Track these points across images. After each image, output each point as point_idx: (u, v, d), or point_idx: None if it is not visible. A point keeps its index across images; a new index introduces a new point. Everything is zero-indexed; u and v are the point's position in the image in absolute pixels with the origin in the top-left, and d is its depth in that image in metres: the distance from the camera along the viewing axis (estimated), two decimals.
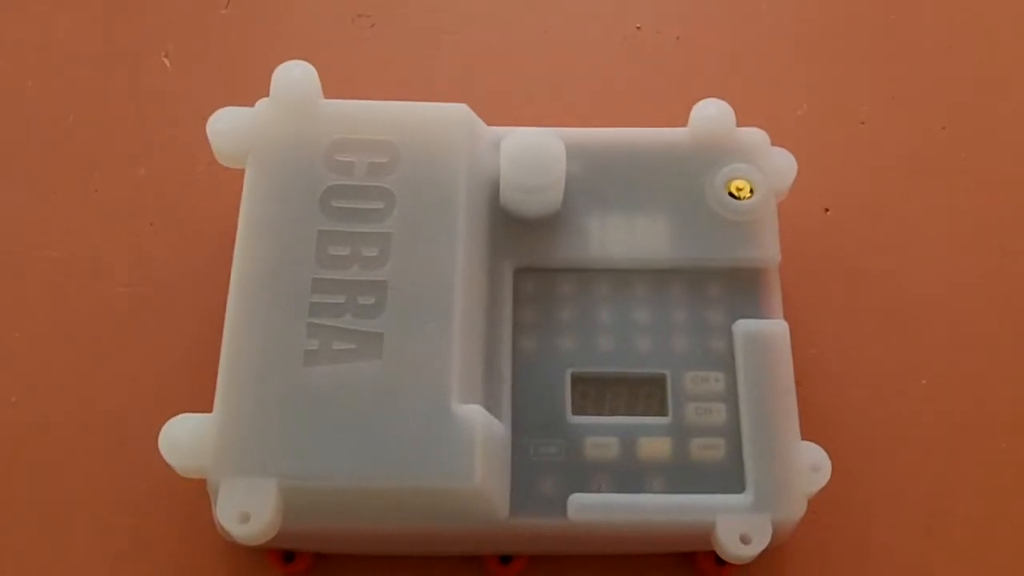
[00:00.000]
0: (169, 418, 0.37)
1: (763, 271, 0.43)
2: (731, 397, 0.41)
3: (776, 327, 0.42)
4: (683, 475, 0.39)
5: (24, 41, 0.55)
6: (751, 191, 0.44)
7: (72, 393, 0.45)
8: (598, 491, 0.39)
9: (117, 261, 0.49)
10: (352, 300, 0.39)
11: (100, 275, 0.48)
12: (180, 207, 0.50)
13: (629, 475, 0.39)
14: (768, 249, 0.43)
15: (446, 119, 0.43)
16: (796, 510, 0.38)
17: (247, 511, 0.35)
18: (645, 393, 0.41)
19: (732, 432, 0.40)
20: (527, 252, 0.43)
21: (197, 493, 0.40)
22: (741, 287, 0.43)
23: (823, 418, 0.42)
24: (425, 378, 0.37)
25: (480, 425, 0.37)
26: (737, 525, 0.38)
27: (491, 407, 0.39)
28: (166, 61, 0.54)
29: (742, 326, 0.42)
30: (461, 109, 0.44)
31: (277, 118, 0.42)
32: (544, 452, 0.39)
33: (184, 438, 0.36)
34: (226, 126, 0.42)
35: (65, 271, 0.48)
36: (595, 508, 0.38)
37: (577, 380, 0.41)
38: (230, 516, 0.35)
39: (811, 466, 0.39)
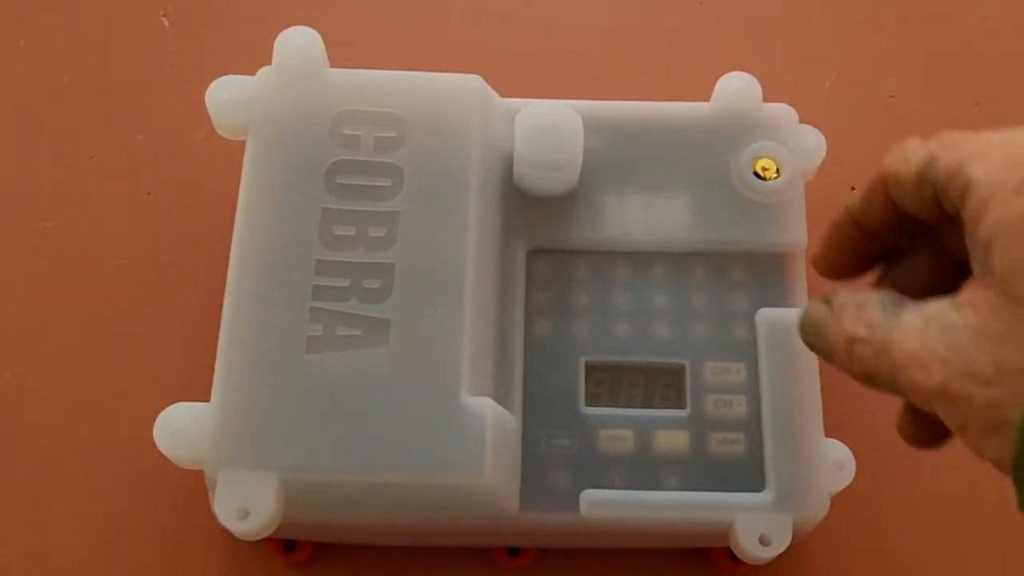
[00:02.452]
0: (165, 402, 0.36)
1: (788, 256, 0.41)
2: (752, 389, 0.39)
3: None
4: (701, 470, 0.38)
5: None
6: (777, 171, 0.41)
7: (67, 370, 0.44)
8: (612, 487, 0.37)
9: (115, 232, 0.47)
10: (357, 283, 0.37)
11: (96, 247, 0.46)
12: (179, 176, 0.48)
13: (644, 469, 0.38)
14: (795, 233, 0.41)
15: (457, 91, 0.41)
16: (819, 510, 0.37)
17: (246, 507, 0.33)
18: (662, 384, 0.39)
19: (753, 426, 0.38)
20: (542, 232, 0.41)
21: (194, 479, 0.38)
22: (765, 272, 0.41)
23: (847, 414, 0.40)
24: (434, 367, 0.36)
25: (491, 418, 0.35)
26: (757, 525, 0.36)
27: (502, 397, 0.37)
28: (164, 21, 0.52)
29: (766, 315, 0.40)
30: (473, 80, 0.41)
31: (280, 87, 0.40)
32: (556, 444, 0.38)
33: (181, 428, 0.35)
34: (226, 95, 0.40)
35: (60, 242, 0.46)
36: (609, 504, 0.37)
37: (592, 369, 0.39)
38: (229, 512, 0.33)
39: (835, 464, 0.37)
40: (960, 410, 0.23)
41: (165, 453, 0.35)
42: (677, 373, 0.39)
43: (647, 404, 0.39)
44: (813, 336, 0.28)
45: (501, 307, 0.39)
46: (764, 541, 0.36)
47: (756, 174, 0.41)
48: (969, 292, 0.24)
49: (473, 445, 0.35)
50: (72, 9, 0.52)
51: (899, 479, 0.43)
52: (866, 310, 0.26)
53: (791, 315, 0.39)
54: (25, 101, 0.50)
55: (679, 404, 0.39)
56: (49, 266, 0.46)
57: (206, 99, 0.40)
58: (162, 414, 0.35)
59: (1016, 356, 0.22)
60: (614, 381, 0.39)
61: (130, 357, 0.44)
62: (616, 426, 0.38)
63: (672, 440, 0.38)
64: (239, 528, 0.33)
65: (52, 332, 0.45)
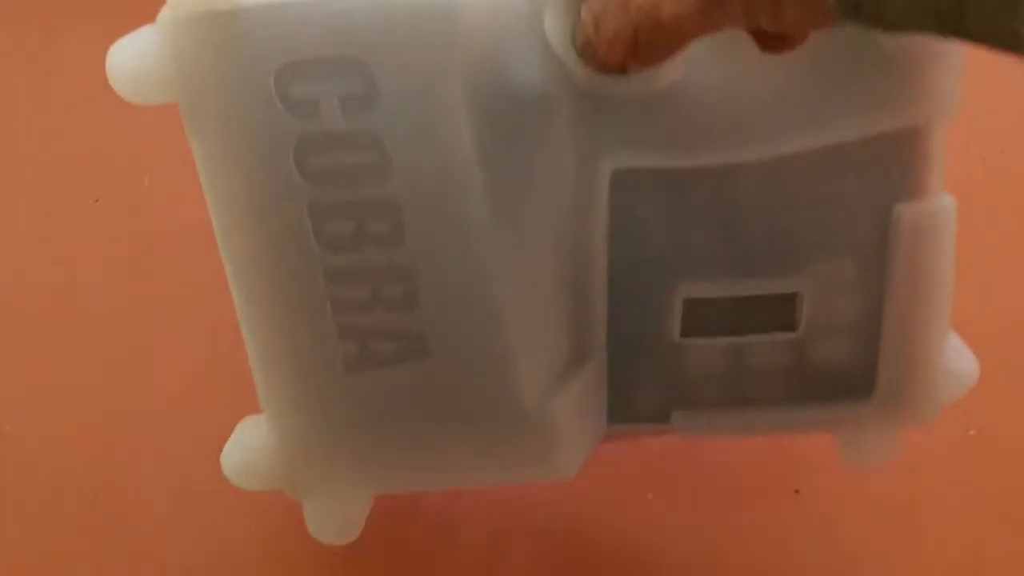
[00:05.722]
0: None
1: (926, 130, 0.30)
2: (870, 286, 0.32)
3: (942, 205, 0.31)
4: (802, 378, 0.34)
5: None
6: None
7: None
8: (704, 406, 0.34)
9: None
10: (377, 291, 0.31)
11: None
12: None
13: (740, 383, 0.34)
14: (943, 100, 0.29)
15: (430, 11, 0.28)
16: (929, 416, 0.33)
17: (340, 526, 0.35)
18: (775, 312, 0.33)
19: (866, 327, 0.33)
20: (624, 147, 0.30)
21: None
22: (894, 152, 0.30)
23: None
24: (483, 377, 0.32)
25: (562, 419, 0.32)
26: (859, 440, 0.34)
27: (582, 340, 0.33)
28: None
29: (903, 211, 0.31)
30: None
31: (190, 43, 0.28)
32: (647, 372, 0.34)
33: (247, 458, 0.34)
34: (127, 59, 0.29)
35: None
36: (701, 424, 0.35)
37: (690, 305, 0.33)
38: (325, 532, 0.35)
39: (958, 370, 0.33)
40: None
41: (237, 484, 0.35)
42: (789, 301, 0.32)
43: (754, 332, 0.33)
44: (591, 57, 0.26)
45: (575, 236, 0.32)
46: (866, 455, 0.34)
47: None
48: None
49: (547, 449, 0.33)
50: None
51: None
52: None
53: (930, 207, 0.31)
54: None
55: (789, 327, 0.33)
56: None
57: (107, 71, 0.29)
58: (225, 452, 0.34)
59: None
60: (715, 314, 0.33)
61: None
62: (714, 351, 0.33)
63: (772, 355, 0.34)
64: (334, 541, 0.35)
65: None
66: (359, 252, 0.31)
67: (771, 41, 0.25)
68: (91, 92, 0.35)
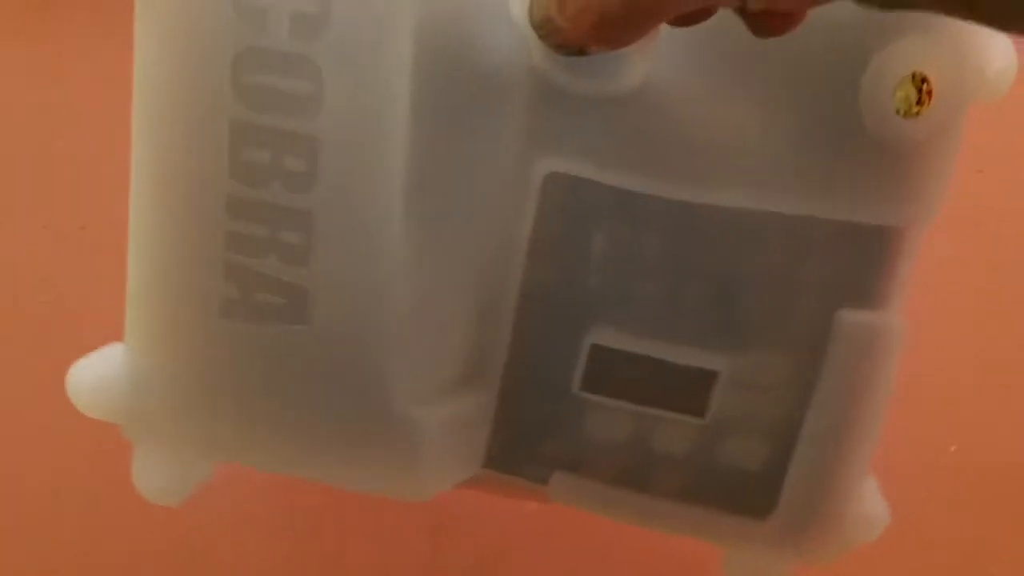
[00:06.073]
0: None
1: (898, 232, 0.27)
2: (795, 393, 0.29)
3: (890, 325, 0.28)
4: (700, 475, 0.30)
5: None
6: (928, 95, 0.25)
7: None
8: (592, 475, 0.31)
9: None
10: (275, 234, 0.28)
11: None
12: None
13: (634, 461, 0.31)
14: (924, 203, 0.27)
15: None
16: (825, 558, 0.30)
17: (168, 486, 0.31)
18: (685, 387, 0.29)
19: (781, 437, 0.29)
20: (569, 149, 0.28)
21: None
22: (858, 248, 0.27)
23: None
24: (357, 361, 0.29)
25: (428, 439, 0.29)
26: (751, 564, 0.30)
27: (477, 361, 0.30)
28: None
29: (848, 317, 0.28)
30: None
31: None
32: (537, 418, 0.31)
33: (96, 381, 0.31)
34: None
35: None
36: (581, 495, 0.31)
37: (597, 353, 0.30)
38: (149, 487, 0.32)
39: (868, 516, 0.29)
40: None
41: (77, 405, 0.32)
42: (707, 379, 0.29)
43: (658, 404, 0.30)
44: (551, 33, 0.24)
45: (488, 254, 0.29)
46: None
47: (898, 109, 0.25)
48: None
49: (405, 461, 0.29)
50: None
51: None
52: None
53: (880, 320, 0.28)
54: None
55: (698, 412, 0.30)
56: None
57: None
58: (76, 365, 0.31)
59: None
60: (624, 372, 0.30)
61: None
62: (612, 415, 0.30)
63: (675, 439, 0.30)
64: (158, 500, 0.32)
65: None
66: (267, 187, 0.28)
67: (767, 20, 0.22)
68: (80, 115, 0.34)
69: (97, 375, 0.31)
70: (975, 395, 0.36)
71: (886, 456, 0.32)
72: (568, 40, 0.23)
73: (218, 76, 0.27)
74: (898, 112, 0.25)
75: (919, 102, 0.25)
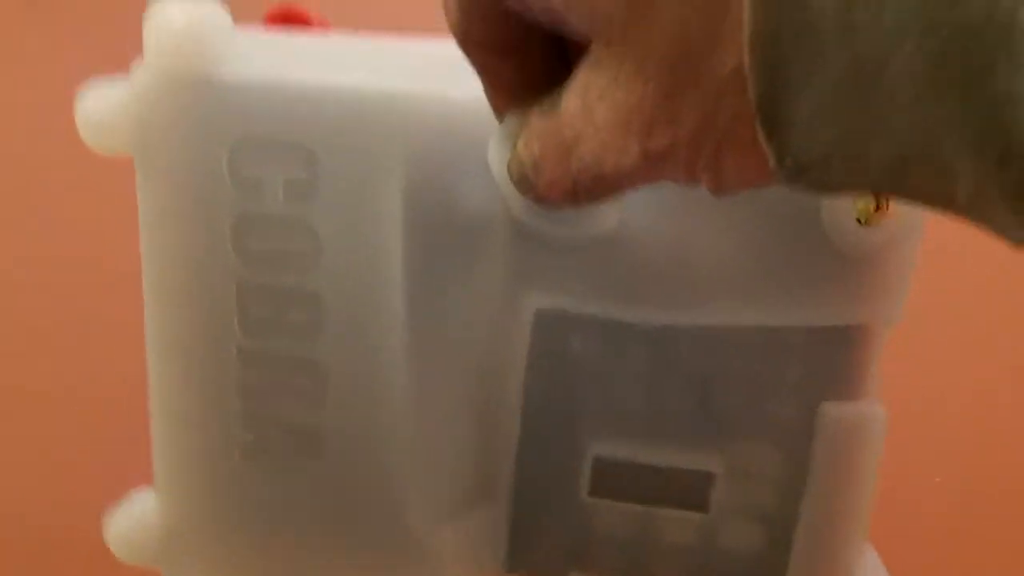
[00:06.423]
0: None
1: (868, 330, 0.29)
2: (790, 480, 0.31)
3: (871, 413, 0.30)
4: (708, 563, 0.32)
5: None
6: (884, 201, 0.27)
7: None
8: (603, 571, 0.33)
9: None
10: (286, 382, 0.30)
11: None
12: None
13: (644, 555, 0.32)
14: (889, 301, 0.29)
15: (378, 110, 0.28)
16: None
17: None
18: (686, 488, 0.31)
19: (781, 522, 0.31)
20: (553, 286, 0.30)
21: None
22: (830, 348, 0.29)
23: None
24: (372, 490, 0.31)
25: (447, 556, 0.31)
26: None
27: (487, 477, 0.32)
28: None
29: (830, 410, 0.30)
30: (398, 100, 0.28)
31: (158, 99, 0.29)
32: (548, 526, 0.32)
33: (128, 528, 0.33)
34: (95, 111, 0.30)
35: None
36: None
37: (600, 463, 0.31)
38: None
39: None
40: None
41: (116, 553, 0.33)
42: (704, 480, 0.31)
43: (662, 504, 0.32)
44: (528, 190, 0.24)
45: (487, 383, 0.31)
46: None
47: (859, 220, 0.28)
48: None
49: None
50: None
51: None
52: (531, 127, 0.23)
53: (860, 410, 0.30)
54: None
55: (700, 508, 0.31)
56: None
57: (76, 113, 0.30)
58: (112, 514, 0.33)
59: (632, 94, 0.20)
60: (626, 479, 0.31)
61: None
62: (620, 516, 0.32)
63: (681, 533, 0.32)
64: None
65: None
66: (276, 339, 0.30)
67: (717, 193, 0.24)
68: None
69: (131, 523, 0.33)
70: (958, 429, 0.37)
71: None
72: (543, 200, 0.25)
73: (220, 241, 0.30)
74: (859, 222, 0.27)
75: (878, 210, 0.27)
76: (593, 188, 0.23)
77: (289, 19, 0.33)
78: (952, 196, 0.17)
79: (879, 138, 0.17)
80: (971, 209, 0.17)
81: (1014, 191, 0.16)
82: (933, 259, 0.34)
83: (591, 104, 0.21)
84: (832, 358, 0.29)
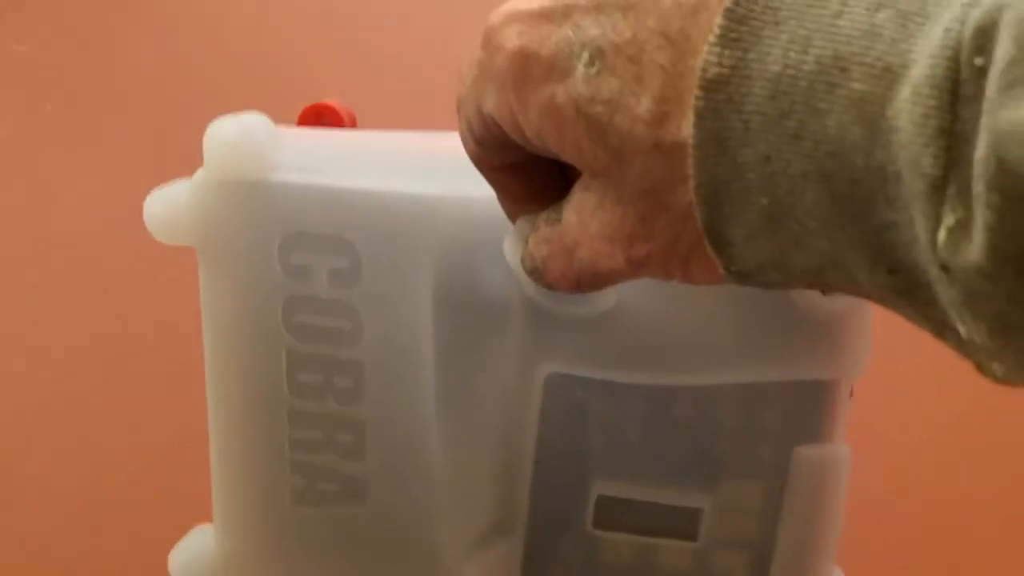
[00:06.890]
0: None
1: (835, 383, 0.34)
2: (769, 511, 0.36)
3: (838, 455, 0.35)
4: None
5: None
6: None
7: None
8: None
9: None
10: (331, 437, 0.35)
11: None
12: None
13: None
14: (856, 358, 0.33)
15: (409, 208, 0.33)
16: None
17: None
18: (677, 521, 0.36)
19: (762, 547, 0.36)
20: (563, 355, 0.34)
21: None
22: (804, 399, 0.34)
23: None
24: (411, 530, 0.35)
25: None
26: None
27: (506, 513, 0.36)
28: None
29: (804, 453, 0.35)
30: (426, 200, 0.33)
31: (217, 200, 0.34)
32: (560, 555, 0.37)
33: (194, 567, 0.38)
34: (162, 209, 0.34)
35: None
36: None
37: (603, 501, 0.36)
38: None
39: None
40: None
41: None
42: (694, 515, 0.36)
43: (657, 535, 0.36)
44: (539, 280, 0.29)
45: (506, 435, 0.35)
46: None
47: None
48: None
49: None
50: None
51: None
52: (539, 233, 0.29)
53: (829, 452, 0.35)
54: None
55: (691, 538, 0.36)
56: None
57: (144, 213, 0.34)
58: (175, 548, 0.38)
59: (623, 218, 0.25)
60: (626, 512, 0.36)
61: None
62: (621, 546, 0.37)
63: (676, 559, 0.37)
64: None
65: None
66: (322, 401, 0.35)
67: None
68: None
69: (191, 556, 0.38)
70: (930, 455, 0.40)
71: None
72: (552, 287, 0.30)
73: (272, 318, 0.34)
74: (822, 292, 0.32)
75: None
76: (593, 281, 0.28)
77: (322, 116, 0.37)
78: (862, 291, 0.22)
79: (799, 253, 0.22)
80: (879, 300, 0.22)
81: (904, 291, 0.21)
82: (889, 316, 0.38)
83: (585, 220, 0.26)
84: (805, 408, 0.34)
